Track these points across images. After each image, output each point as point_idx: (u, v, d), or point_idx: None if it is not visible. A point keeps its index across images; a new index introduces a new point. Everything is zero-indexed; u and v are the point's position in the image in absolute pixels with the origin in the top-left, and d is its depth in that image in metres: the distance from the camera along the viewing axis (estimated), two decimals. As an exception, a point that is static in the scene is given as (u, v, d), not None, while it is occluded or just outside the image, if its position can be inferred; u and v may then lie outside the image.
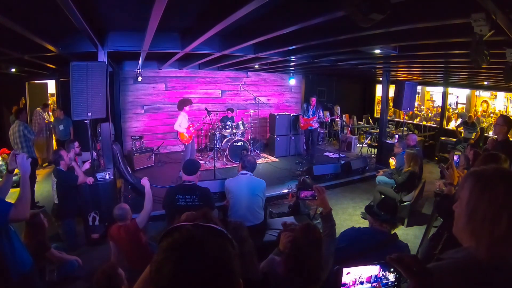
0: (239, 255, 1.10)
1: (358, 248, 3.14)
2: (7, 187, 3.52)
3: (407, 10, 3.98)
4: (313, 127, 11.62)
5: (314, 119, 11.45)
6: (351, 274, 1.82)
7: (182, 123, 9.34)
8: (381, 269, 1.84)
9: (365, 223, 3.89)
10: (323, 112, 11.73)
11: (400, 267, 1.41)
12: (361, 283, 1.84)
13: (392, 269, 1.83)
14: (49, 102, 12.87)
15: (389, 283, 1.87)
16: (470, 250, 1.45)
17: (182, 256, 0.97)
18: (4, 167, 8.48)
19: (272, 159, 12.41)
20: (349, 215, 7.85)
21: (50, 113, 12.39)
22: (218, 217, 4.87)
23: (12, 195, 3.50)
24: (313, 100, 11.45)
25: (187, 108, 9.50)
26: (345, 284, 1.82)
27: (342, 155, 12.12)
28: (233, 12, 3.74)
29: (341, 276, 1.80)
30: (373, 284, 1.85)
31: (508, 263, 1.39)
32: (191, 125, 9.55)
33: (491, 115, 13.64)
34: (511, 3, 3.15)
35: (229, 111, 12.47)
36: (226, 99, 14.25)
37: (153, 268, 1.00)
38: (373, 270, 1.84)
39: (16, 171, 3.54)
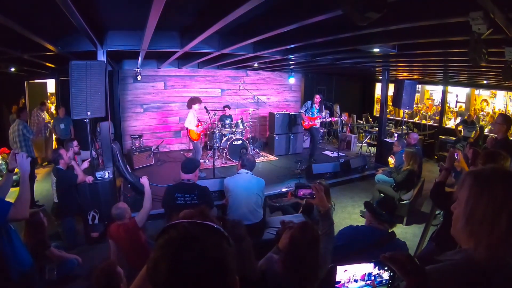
0: (237, 254, 1.11)
1: (356, 247, 3.15)
2: (7, 186, 3.53)
3: (405, 9, 3.98)
4: (317, 126, 11.48)
5: (318, 118, 11.23)
6: (347, 272, 1.83)
7: (191, 120, 9.38)
8: (376, 267, 1.85)
9: (364, 222, 3.89)
10: (324, 111, 11.59)
11: (394, 266, 1.41)
12: (355, 280, 1.85)
13: (386, 268, 1.84)
14: (46, 100, 12.78)
15: (383, 281, 1.87)
16: (469, 252, 1.45)
17: (178, 253, 0.98)
18: (4, 166, 8.49)
19: (272, 157, 12.40)
20: (348, 214, 7.87)
21: (47, 112, 12.34)
22: (217, 216, 4.89)
23: (12, 194, 3.51)
24: (317, 98, 11.20)
25: (196, 106, 9.54)
26: (339, 282, 1.83)
27: (342, 154, 12.11)
28: (232, 10, 3.74)
29: (335, 274, 1.81)
30: (367, 282, 1.85)
31: (507, 264, 1.39)
32: (199, 124, 9.59)
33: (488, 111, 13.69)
34: (509, 2, 3.16)
35: (226, 108, 12.48)
36: (225, 98, 14.25)
37: (150, 265, 1.01)
38: (368, 268, 1.85)
39: (16, 170, 3.55)
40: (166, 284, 0.96)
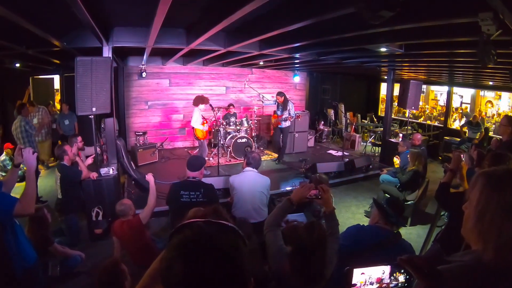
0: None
1: (361, 246, 3.13)
2: (13, 181, 3.53)
3: (413, 8, 3.96)
4: (282, 126, 11.08)
5: (282, 117, 10.95)
6: (364, 274, 1.81)
7: (197, 119, 9.39)
8: (392, 270, 1.83)
9: (367, 221, 3.87)
10: (293, 109, 11.08)
11: (411, 269, 1.39)
12: (371, 283, 1.83)
13: (402, 270, 1.82)
14: (51, 101, 12.70)
15: (399, 284, 1.85)
16: (478, 253, 1.44)
17: (193, 254, 0.96)
18: (8, 161, 8.50)
19: (276, 156, 12.31)
20: (352, 214, 7.85)
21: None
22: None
23: (17, 190, 3.51)
24: (277, 97, 11.03)
25: (202, 106, 9.55)
26: (355, 285, 1.81)
27: (346, 153, 12.07)
28: (238, 8, 3.72)
29: (352, 276, 1.79)
30: (383, 285, 1.83)
31: None
32: (205, 122, 9.59)
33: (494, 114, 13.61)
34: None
35: (230, 107, 12.50)
36: (230, 95, 14.29)
37: (164, 265, 0.99)
38: (383, 270, 1.83)
39: (21, 165, 3.55)
40: (181, 284, 0.94)
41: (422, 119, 16.09)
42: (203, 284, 0.93)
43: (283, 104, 10.88)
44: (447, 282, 1.38)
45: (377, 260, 2.34)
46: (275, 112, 11.36)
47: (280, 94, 10.99)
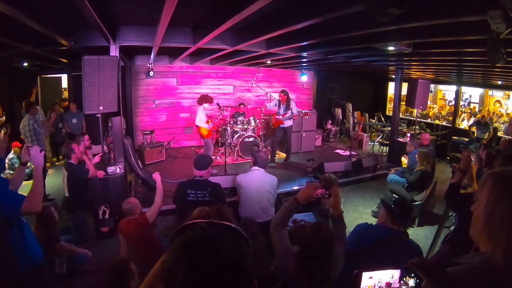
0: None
1: (369, 243, 3.12)
2: (20, 179, 3.54)
3: (421, 7, 3.92)
4: (284, 125, 10.85)
5: (286, 116, 10.70)
6: (372, 279, 1.79)
7: (201, 118, 9.40)
8: (401, 274, 1.80)
9: (375, 221, 3.85)
10: (295, 107, 10.88)
11: (421, 272, 1.37)
12: (380, 288, 1.80)
13: (412, 274, 1.79)
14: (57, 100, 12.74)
15: None
16: (487, 255, 1.41)
17: (195, 256, 0.95)
18: (16, 160, 8.54)
19: (283, 155, 12.26)
20: (360, 213, 7.81)
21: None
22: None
23: (24, 188, 3.52)
24: (281, 95, 10.71)
25: (206, 105, 9.57)
26: None
27: (353, 153, 12.04)
28: (245, 6, 3.71)
29: (360, 280, 1.77)
30: None
31: None
32: (209, 120, 9.60)
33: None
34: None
35: (241, 106, 12.48)
36: (237, 94, 14.31)
37: (166, 268, 0.98)
38: (393, 274, 1.80)
39: (28, 164, 3.55)
40: (182, 287, 0.93)
41: (430, 116, 15.95)
42: (205, 286, 0.92)
43: (286, 103, 10.72)
44: (456, 285, 1.36)
45: (384, 258, 2.31)
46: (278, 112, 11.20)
47: (283, 92, 10.79)
